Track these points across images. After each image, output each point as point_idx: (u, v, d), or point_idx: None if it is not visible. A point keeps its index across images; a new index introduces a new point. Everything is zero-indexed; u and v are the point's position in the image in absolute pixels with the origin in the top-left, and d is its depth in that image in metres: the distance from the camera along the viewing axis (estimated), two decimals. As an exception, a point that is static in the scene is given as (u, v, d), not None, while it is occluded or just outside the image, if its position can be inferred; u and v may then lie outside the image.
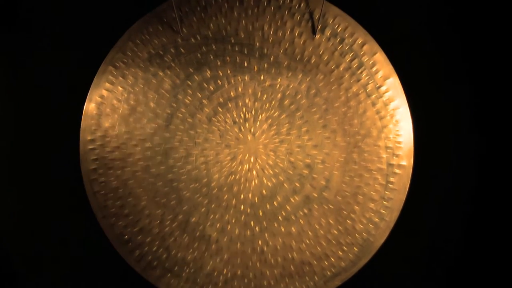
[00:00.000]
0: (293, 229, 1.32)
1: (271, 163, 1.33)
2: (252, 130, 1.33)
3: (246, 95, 1.33)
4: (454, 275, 1.57)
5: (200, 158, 1.33)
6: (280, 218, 1.32)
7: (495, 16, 1.48)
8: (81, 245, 1.55)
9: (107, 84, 1.32)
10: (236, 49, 1.32)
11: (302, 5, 1.27)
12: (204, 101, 1.33)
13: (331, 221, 1.32)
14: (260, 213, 1.33)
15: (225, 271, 1.31)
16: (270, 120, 1.33)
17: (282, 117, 1.32)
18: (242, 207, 1.32)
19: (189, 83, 1.32)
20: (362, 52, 1.30)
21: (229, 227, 1.32)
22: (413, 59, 1.48)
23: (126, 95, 1.31)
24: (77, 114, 1.31)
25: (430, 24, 1.50)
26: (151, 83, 1.32)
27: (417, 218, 1.51)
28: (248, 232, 1.32)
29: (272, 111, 1.33)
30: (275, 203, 1.32)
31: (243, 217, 1.32)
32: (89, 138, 1.32)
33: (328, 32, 1.30)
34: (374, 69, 1.30)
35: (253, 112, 1.33)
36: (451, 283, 1.57)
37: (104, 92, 1.32)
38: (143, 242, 1.32)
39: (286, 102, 1.33)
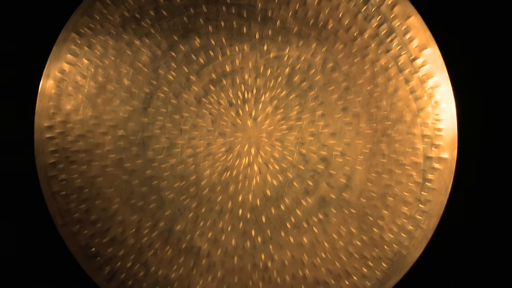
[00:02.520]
0: (305, 240, 1.26)
1: (277, 156, 1.26)
2: (253, 114, 1.25)
3: (246, 69, 1.25)
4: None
5: (187, 150, 1.26)
6: (288, 225, 1.26)
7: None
8: (34, 259, 1.47)
9: (69, 56, 1.25)
10: (233, 11, 1.24)
11: (316, -45, 1.23)
12: (192, 78, 1.26)
13: (353, 230, 1.25)
14: (263, 219, 1.26)
15: (219, 293, 1.28)
16: (275, 101, 1.25)
17: (291, 97, 1.25)
18: (240, 211, 1.26)
19: (173, 54, 1.25)
20: (392, 15, 1.22)
21: (223, 237, 1.26)
22: (456, 25, 1.39)
23: (93, 70, 1.25)
24: (30, 94, 1.25)
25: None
26: (125, 55, 1.25)
27: (462, 225, 1.42)
28: (248, 243, 1.26)
29: (279, 90, 1.25)
30: (282, 207, 1.26)
31: (241, 224, 1.26)
32: (46, 124, 1.24)
33: (349, -10, 1.24)
34: (407, 36, 1.22)
35: (254, 91, 1.25)
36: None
37: (66, 66, 1.25)
38: (115, 256, 1.26)
39: (296, 78, 1.25)
